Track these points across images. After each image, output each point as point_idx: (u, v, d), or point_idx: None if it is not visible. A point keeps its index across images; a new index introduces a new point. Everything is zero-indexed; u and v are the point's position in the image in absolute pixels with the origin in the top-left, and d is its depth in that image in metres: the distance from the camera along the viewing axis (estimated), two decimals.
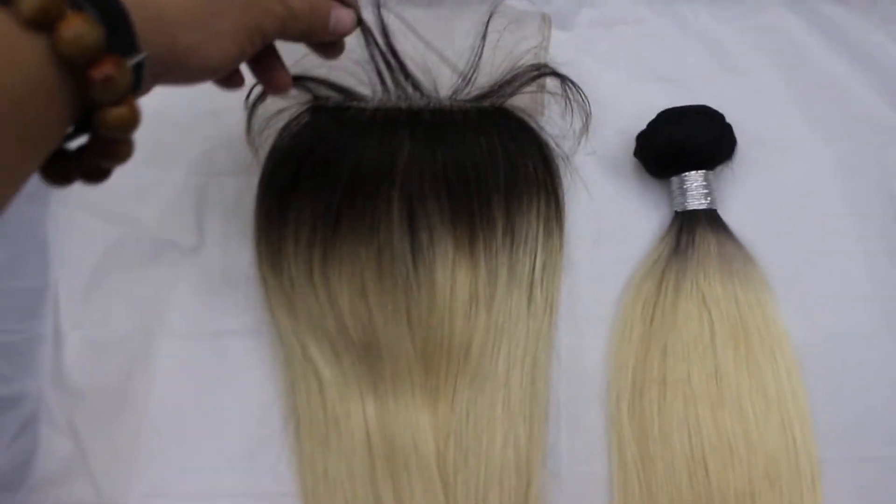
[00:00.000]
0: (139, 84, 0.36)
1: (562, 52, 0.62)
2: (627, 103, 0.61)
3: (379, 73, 0.57)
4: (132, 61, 0.34)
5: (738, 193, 0.60)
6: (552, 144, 0.58)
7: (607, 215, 0.60)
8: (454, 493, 0.52)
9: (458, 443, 0.53)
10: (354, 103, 0.58)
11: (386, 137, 0.55)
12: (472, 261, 0.54)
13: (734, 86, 0.62)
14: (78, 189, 0.59)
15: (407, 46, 0.57)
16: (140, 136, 0.59)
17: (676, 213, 0.58)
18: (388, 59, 0.56)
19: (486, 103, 0.58)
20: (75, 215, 0.60)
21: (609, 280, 0.58)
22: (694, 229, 0.57)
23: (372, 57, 0.56)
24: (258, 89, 0.55)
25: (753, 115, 0.60)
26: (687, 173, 0.58)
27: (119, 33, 0.34)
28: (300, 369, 0.55)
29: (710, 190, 0.58)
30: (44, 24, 0.31)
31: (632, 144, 0.60)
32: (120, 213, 0.60)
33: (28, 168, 0.35)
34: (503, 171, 0.56)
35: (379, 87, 0.57)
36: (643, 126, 0.59)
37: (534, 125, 0.58)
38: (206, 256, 0.60)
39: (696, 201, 0.57)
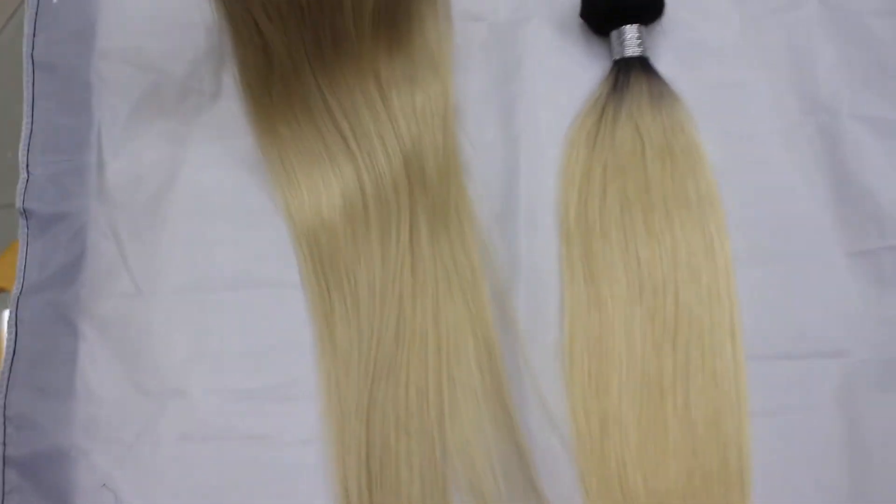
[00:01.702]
0: None
1: None
2: None
3: None
4: None
5: (666, 46, 0.64)
6: None
7: (561, 66, 0.65)
8: (397, 122, 0.59)
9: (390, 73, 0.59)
10: None
11: None
12: None
13: None
14: (119, 45, 0.66)
15: None
16: (165, 14, 0.66)
17: (615, 60, 0.63)
18: None
19: None
20: (115, 67, 0.65)
21: (562, 114, 0.63)
22: (629, 72, 0.62)
23: None
24: None
25: None
26: (623, 27, 0.62)
27: None
28: (250, 43, 0.57)
29: (642, 41, 0.62)
30: None
31: (577, 8, 0.64)
32: (154, 65, 0.65)
33: None
34: None
35: None
36: None
37: None
38: (223, 101, 0.64)
39: (630, 50, 0.62)
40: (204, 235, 0.61)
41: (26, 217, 0.61)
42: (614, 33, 0.63)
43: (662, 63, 0.64)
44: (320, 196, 0.60)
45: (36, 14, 0.66)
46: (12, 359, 0.57)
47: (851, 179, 0.60)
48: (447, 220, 0.59)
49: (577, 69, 0.65)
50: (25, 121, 0.63)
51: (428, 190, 0.59)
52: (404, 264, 0.58)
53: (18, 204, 0.61)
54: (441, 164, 0.59)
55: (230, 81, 0.64)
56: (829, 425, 0.56)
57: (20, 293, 0.59)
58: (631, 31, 0.63)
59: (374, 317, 0.57)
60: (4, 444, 0.56)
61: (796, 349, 0.57)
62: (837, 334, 0.57)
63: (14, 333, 0.58)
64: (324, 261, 0.59)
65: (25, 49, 0.65)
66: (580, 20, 0.65)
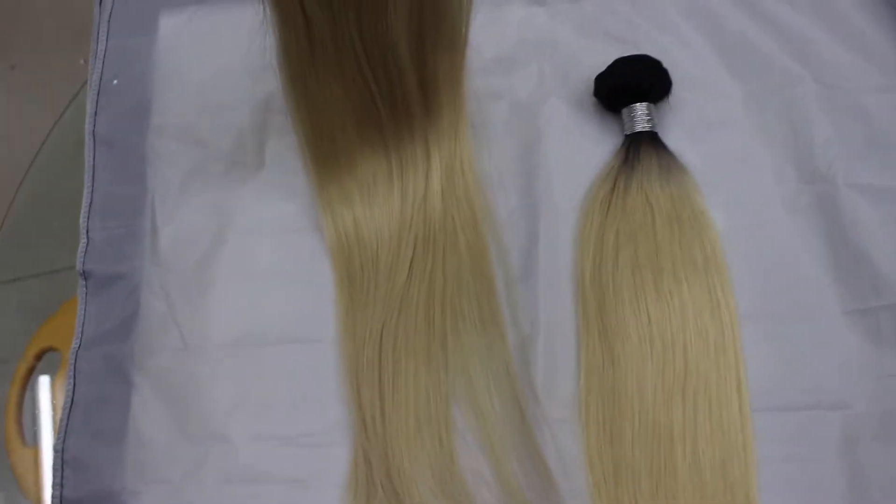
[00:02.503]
0: None
1: (538, 22, 0.74)
2: (589, 58, 0.70)
3: None
4: None
5: (674, 122, 0.69)
6: None
7: (576, 140, 0.69)
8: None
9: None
10: None
11: None
12: None
13: (669, 43, 0.71)
14: (172, 122, 0.72)
15: None
16: (214, 95, 0.73)
17: (626, 135, 0.67)
18: None
19: None
20: (168, 142, 0.71)
21: (577, 184, 0.67)
22: (639, 146, 0.66)
23: None
24: None
25: (684, 65, 0.70)
26: (634, 105, 0.67)
27: None
28: (292, 22, 0.57)
29: (651, 117, 0.67)
30: None
31: (591, 87, 0.69)
32: (203, 140, 0.71)
33: None
34: None
35: None
36: None
37: None
38: (265, 174, 0.70)
39: (640, 125, 0.67)
40: (248, 295, 0.65)
41: (85, 278, 0.66)
42: (625, 110, 0.68)
43: (670, 137, 0.68)
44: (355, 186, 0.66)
45: (97, 94, 0.72)
46: (70, 407, 0.62)
47: (848, 243, 0.63)
48: (453, 176, 0.66)
49: (592, 143, 0.69)
50: (86, 190, 0.69)
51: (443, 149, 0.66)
52: (416, 217, 0.64)
53: (79, 266, 0.66)
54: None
55: (272, 155, 0.70)
56: (832, 474, 0.58)
57: (79, 347, 0.64)
58: (641, 108, 0.67)
59: (390, 261, 0.64)
60: (62, 486, 0.59)
61: (799, 402, 0.60)
62: (838, 388, 0.60)
63: (72, 384, 0.62)
64: (349, 234, 0.66)
65: (87, 126, 0.71)
66: (594, 99, 0.70)
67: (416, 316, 0.63)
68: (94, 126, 0.71)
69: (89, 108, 0.72)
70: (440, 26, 0.60)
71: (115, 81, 0.73)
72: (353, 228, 0.66)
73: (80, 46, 0.77)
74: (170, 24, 0.77)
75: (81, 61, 0.76)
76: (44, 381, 0.69)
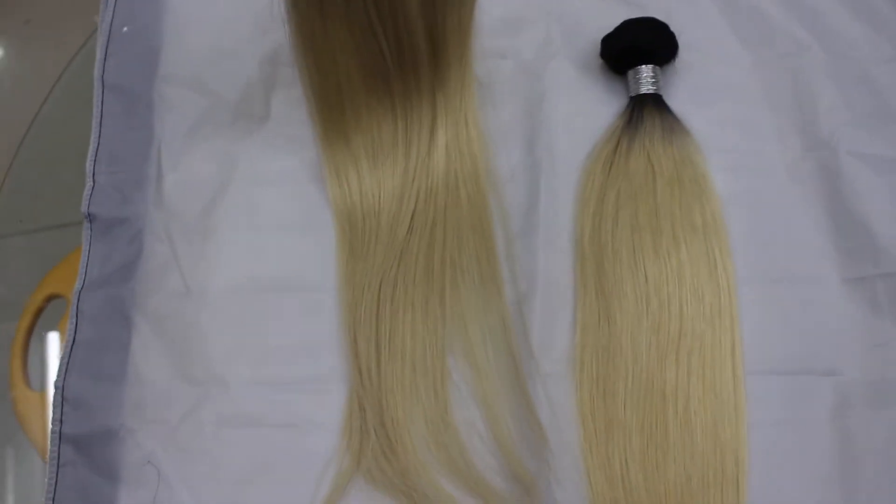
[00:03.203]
0: None
1: None
2: (596, 19, 0.70)
3: None
4: None
5: (679, 85, 0.69)
6: None
7: (581, 101, 0.69)
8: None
9: None
10: None
11: None
12: None
13: (678, 7, 0.71)
14: (180, 71, 0.72)
15: None
16: (222, 46, 0.72)
17: (631, 97, 0.67)
18: None
19: None
20: (175, 90, 0.71)
21: (580, 144, 0.67)
22: (643, 107, 0.66)
23: None
24: None
25: (692, 29, 0.70)
26: (639, 66, 0.67)
27: None
28: None
29: (656, 80, 0.67)
30: None
31: (598, 48, 0.69)
32: (210, 90, 0.71)
33: None
34: None
35: None
36: None
37: None
38: (271, 125, 0.70)
39: (645, 87, 0.67)
40: (250, 243, 0.66)
41: (90, 220, 0.66)
42: (631, 72, 0.68)
43: (675, 100, 0.68)
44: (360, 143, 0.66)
45: (107, 41, 0.72)
46: (72, 346, 0.62)
47: (848, 211, 0.64)
48: (457, 130, 0.66)
49: (596, 104, 0.69)
50: (93, 135, 0.69)
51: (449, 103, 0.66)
52: (419, 171, 0.65)
53: (84, 209, 0.66)
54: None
55: (278, 107, 0.70)
56: (822, 439, 0.58)
57: (82, 288, 0.64)
58: (646, 70, 0.67)
59: (391, 214, 0.64)
60: (62, 422, 0.60)
61: (793, 366, 0.60)
62: (832, 354, 0.60)
63: (75, 324, 0.63)
64: (352, 187, 0.66)
65: (96, 72, 0.71)
66: (600, 60, 0.70)
67: (416, 269, 0.63)
68: (104, 72, 0.71)
69: (99, 54, 0.72)
70: None
71: (125, 29, 0.73)
72: (356, 181, 0.66)
73: (94, 1, 0.77)
74: None
75: (95, 18, 0.75)
76: (53, 337, 0.70)
